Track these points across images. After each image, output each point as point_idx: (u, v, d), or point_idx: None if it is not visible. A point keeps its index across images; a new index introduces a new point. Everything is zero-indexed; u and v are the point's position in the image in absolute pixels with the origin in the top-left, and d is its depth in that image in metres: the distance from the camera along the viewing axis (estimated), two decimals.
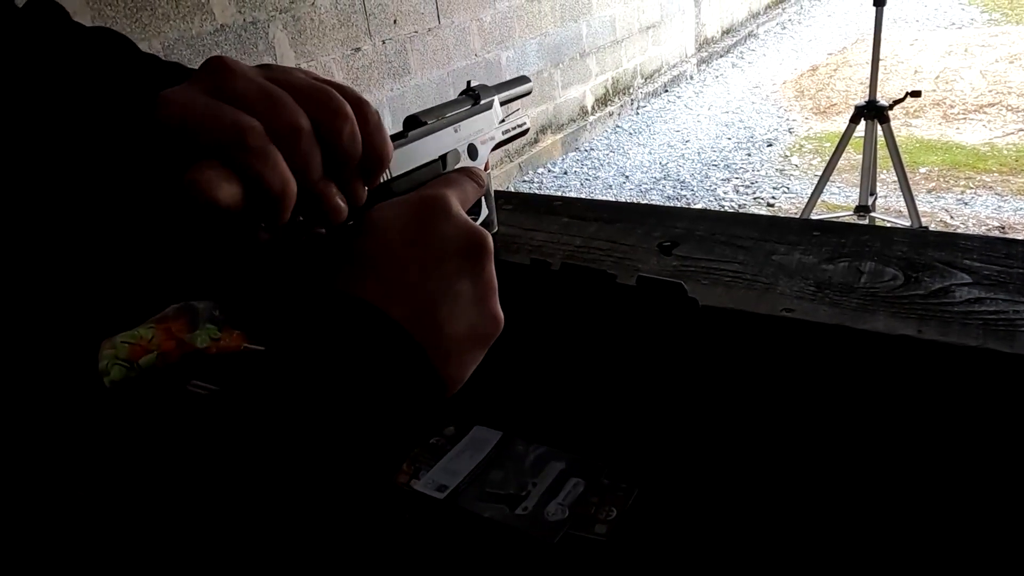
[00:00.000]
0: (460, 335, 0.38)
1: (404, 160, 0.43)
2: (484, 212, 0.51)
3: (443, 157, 0.47)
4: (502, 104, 0.55)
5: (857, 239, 0.76)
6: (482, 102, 0.53)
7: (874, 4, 2.49)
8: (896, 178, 2.73)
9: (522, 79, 0.59)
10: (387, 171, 0.42)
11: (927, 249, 0.72)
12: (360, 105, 0.37)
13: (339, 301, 0.35)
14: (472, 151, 0.50)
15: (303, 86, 0.35)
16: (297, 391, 0.32)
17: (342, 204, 0.37)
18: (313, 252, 0.40)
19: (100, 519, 0.25)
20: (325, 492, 0.31)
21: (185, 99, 0.33)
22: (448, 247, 0.38)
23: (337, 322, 0.34)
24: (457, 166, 0.48)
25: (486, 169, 0.52)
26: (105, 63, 0.44)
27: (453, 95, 0.54)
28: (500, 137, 0.54)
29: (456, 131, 0.49)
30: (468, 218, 0.40)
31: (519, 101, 0.59)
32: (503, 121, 0.55)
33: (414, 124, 0.46)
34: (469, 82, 0.54)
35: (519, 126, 0.57)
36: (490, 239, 0.40)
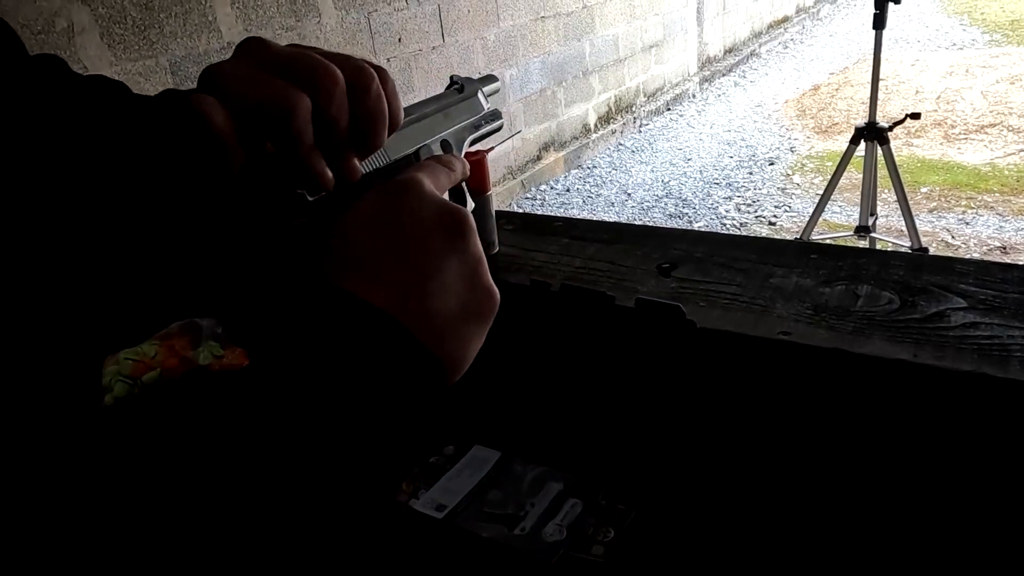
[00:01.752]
0: (452, 313, 0.37)
1: (394, 149, 0.45)
2: (474, 209, 0.50)
3: (416, 152, 0.48)
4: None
5: (854, 262, 0.77)
6: (466, 92, 0.54)
7: (873, 27, 2.51)
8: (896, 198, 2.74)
9: (490, 77, 0.60)
10: (386, 155, 0.43)
11: (923, 273, 0.73)
12: (357, 73, 0.38)
13: (320, 294, 0.35)
14: (445, 146, 0.51)
15: (301, 61, 0.38)
16: (287, 391, 0.32)
17: (328, 173, 0.38)
18: (294, 247, 0.41)
19: (98, 527, 0.26)
20: (325, 496, 0.31)
21: (232, 69, 0.38)
22: (425, 225, 0.38)
23: (320, 315, 0.34)
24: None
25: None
26: (105, 101, 0.45)
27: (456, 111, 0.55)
28: (477, 131, 0.55)
29: (446, 116, 0.50)
30: (442, 197, 0.40)
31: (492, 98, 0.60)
32: (487, 109, 0.56)
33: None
34: (452, 76, 0.56)
35: (493, 116, 0.57)
36: (469, 215, 0.39)
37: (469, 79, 0.55)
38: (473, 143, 0.55)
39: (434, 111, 0.49)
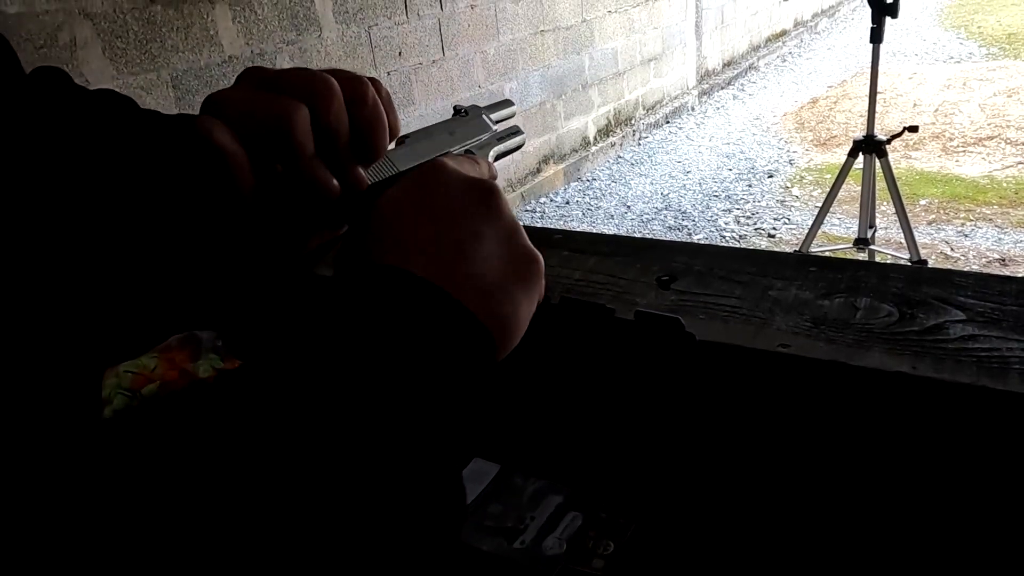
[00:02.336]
0: (493, 277, 0.37)
1: (403, 161, 0.46)
2: None
3: (443, 156, 0.49)
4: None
5: (853, 275, 0.77)
6: (470, 116, 0.55)
7: (871, 41, 2.53)
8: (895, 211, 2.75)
9: (506, 102, 0.61)
10: (394, 166, 0.44)
11: (922, 285, 0.73)
12: (352, 83, 0.39)
13: (358, 270, 0.36)
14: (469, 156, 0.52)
15: (297, 76, 0.39)
16: (331, 366, 0.31)
17: (332, 181, 0.39)
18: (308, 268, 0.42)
19: (102, 536, 0.25)
20: (379, 477, 0.29)
21: (232, 93, 0.39)
22: (455, 197, 0.38)
23: (359, 288, 0.34)
24: None
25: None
26: (111, 117, 0.45)
27: None
28: (497, 145, 0.56)
29: (451, 134, 0.51)
30: (468, 174, 0.41)
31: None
32: (496, 130, 0.56)
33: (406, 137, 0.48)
34: (456, 106, 0.57)
35: (513, 132, 0.58)
36: (497, 186, 0.40)
37: (475, 106, 0.56)
38: (497, 159, 0.56)
39: (439, 131, 0.50)
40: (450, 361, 0.33)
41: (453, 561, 0.34)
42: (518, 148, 0.59)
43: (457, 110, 0.55)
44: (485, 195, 0.39)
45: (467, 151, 0.52)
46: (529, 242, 0.40)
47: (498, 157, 0.56)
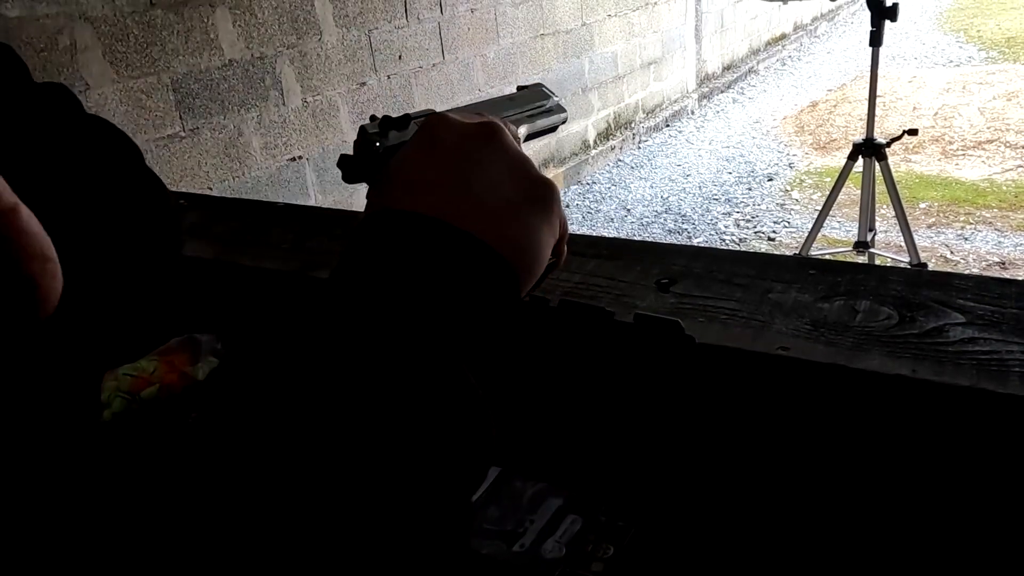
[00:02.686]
0: (501, 203, 0.37)
1: None
2: None
3: None
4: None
5: (853, 277, 0.77)
6: (530, 88, 0.55)
7: (870, 44, 2.53)
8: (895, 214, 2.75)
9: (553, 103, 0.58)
10: None
11: (922, 288, 0.73)
12: None
13: (361, 223, 0.35)
14: None
15: None
16: (334, 320, 0.30)
17: None
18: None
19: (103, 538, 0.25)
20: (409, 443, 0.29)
21: None
22: (455, 141, 0.38)
23: (360, 236, 0.34)
24: None
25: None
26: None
27: None
28: (527, 123, 0.53)
29: (511, 100, 0.52)
30: (470, 121, 0.40)
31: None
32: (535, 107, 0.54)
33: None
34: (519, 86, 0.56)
35: (544, 111, 0.55)
36: (499, 124, 0.40)
37: (538, 83, 0.56)
38: (533, 135, 0.54)
39: (499, 98, 0.51)
40: (467, 290, 0.33)
41: (457, 555, 0.33)
42: (555, 127, 0.57)
43: (520, 88, 0.55)
44: (486, 133, 0.39)
45: (518, 115, 0.51)
46: (537, 170, 0.39)
47: (536, 134, 0.54)
